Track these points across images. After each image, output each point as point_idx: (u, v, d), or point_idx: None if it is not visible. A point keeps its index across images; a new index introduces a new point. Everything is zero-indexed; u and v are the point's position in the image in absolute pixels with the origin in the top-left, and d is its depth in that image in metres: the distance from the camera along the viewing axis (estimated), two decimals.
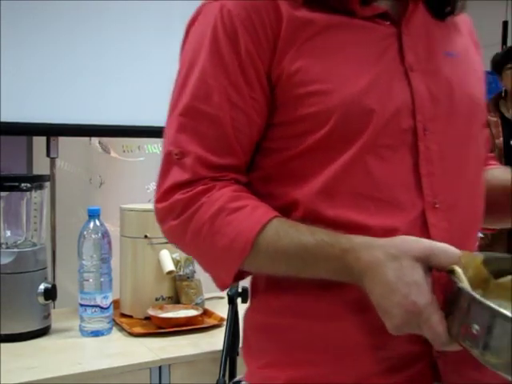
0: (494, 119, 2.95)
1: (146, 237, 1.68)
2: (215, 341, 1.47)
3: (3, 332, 1.46)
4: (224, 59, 0.76)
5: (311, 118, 0.75)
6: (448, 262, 0.66)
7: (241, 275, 0.79)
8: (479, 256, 0.70)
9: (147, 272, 1.68)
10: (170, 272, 1.65)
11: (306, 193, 0.76)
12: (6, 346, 1.43)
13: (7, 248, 1.54)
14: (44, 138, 2.07)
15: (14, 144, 2.24)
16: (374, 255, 0.68)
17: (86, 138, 2.41)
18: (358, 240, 0.70)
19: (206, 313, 1.70)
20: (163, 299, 1.69)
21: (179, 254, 1.71)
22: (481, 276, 0.68)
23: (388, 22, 0.80)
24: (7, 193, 1.59)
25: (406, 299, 0.65)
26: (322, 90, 0.74)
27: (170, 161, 0.78)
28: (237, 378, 1.00)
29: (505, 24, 4.33)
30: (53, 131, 2.01)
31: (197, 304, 1.71)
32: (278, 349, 0.80)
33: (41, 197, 1.62)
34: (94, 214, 1.54)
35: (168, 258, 1.67)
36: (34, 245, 1.57)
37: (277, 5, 0.76)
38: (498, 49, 4.29)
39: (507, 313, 0.57)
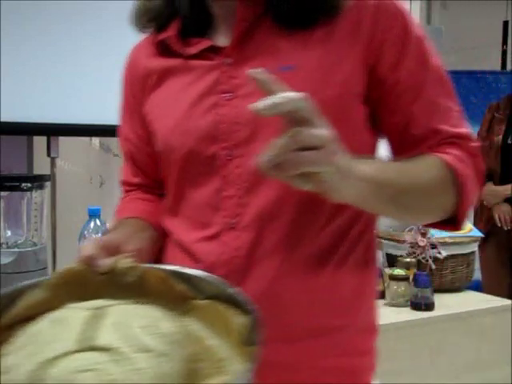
0: (501, 117, 2.93)
1: None
2: None
3: None
4: (122, 107, 1.00)
5: (155, 152, 0.92)
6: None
7: None
8: (161, 271, 0.68)
9: None
10: None
11: (163, 211, 0.93)
12: None
13: (8, 248, 1.54)
14: (44, 138, 2.06)
15: (14, 144, 2.23)
16: None
17: (87, 138, 2.41)
18: None
19: None
20: None
21: None
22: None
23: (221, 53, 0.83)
24: (8, 193, 1.59)
25: None
26: (154, 129, 0.90)
27: None
28: None
29: (505, 24, 4.34)
30: (53, 131, 2.01)
31: None
32: None
33: (41, 196, 1.62)
34: (94, 214, 1.54)
35: None
36: (35, 244, 1.57)
37: (140, 62, 0.93)
38: (498, 49, 4.31)
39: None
